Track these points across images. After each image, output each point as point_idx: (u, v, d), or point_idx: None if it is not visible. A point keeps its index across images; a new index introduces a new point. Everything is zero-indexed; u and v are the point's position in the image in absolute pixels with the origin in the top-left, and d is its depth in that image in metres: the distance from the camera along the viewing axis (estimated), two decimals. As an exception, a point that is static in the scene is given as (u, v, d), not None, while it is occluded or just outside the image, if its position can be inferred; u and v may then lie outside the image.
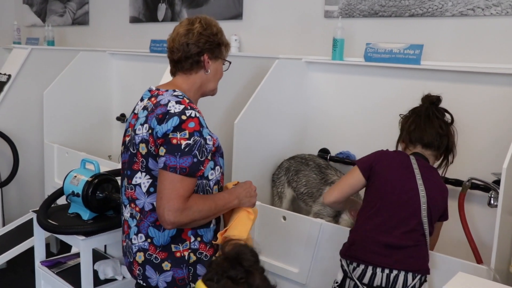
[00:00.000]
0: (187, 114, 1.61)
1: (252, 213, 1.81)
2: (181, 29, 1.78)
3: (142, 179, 1.69)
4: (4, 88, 3.98)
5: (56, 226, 2.28)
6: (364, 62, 2.79)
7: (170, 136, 1.59)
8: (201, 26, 1.77)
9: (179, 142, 1.58)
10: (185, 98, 1.69)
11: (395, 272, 1.86)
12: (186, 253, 1.70)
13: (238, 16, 3.58)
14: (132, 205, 1.73)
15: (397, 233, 1.88)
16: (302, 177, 2.71)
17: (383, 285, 1.87)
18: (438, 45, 2.63)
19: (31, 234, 3.27)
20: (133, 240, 1.73)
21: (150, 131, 1.64)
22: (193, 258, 1.72)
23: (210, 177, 1.72)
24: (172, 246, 1.69)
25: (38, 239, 2.63)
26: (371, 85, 2.79)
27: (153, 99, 1.72)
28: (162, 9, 4.12)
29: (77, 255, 2.61)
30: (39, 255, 2.60)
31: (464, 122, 2.47)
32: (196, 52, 1.76)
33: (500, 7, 2.42)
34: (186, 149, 1.58)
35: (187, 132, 1.59)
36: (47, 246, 2.75)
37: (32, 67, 4.10)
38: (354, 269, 1.93)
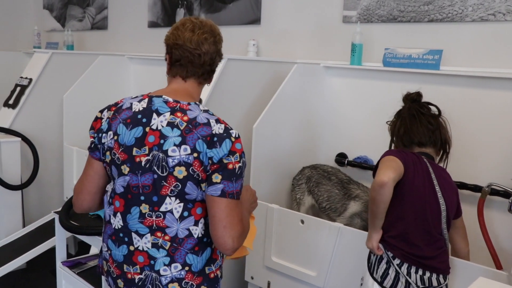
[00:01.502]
0: (233, 135, 1.54)
1: (254, 217, 1.82)
2: (207, 35, 1.64)
3: (173, 205, 1.54)
4: (25, 91, 4.05)
5: (78, 227, 2.32)
6: (382, 67, 2.80)
7: (225, 161, 1.51)
8: (221, 39, 1.71)
9: (234, 167, 1.52)
10: (216, 115, 1.60)
11: (428, 274, 1.89)
12: (218, 272, 1.67)
13: (256, 21, 3.61)
14: (159, 234, 1.56)
15: (424, 246, 1.89)
16: (324, 192, 2.70)
17: (419, 285, 1.89)
18: (457, 51, 2.63)
19: (50, 235, 3.32)
20: (162, 271, 1.58)
21: (195, 154, 1.51)
22: (220, 274, 1.69)
23: None
24: (206, 268, 1.63)
25: (60, 240, 2.67)
26: (389, 90, 2.80)
27: (179, 114, 1.55)
28: (180, 14, 4.16)
29: (97, 256, 2.64)
30: (60, 255, 2.64)
31: (484, 127, 2.47)
32: (217, 64, 1.72)
33: (521, 13, 2.41)
34: (239, 172, 1.53)
35: (238, 155, 1.53)
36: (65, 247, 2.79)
37: (52, 71, 4.16)
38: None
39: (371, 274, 1.96)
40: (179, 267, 1.58)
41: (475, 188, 2.41)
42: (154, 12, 4.39)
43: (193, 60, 1.63)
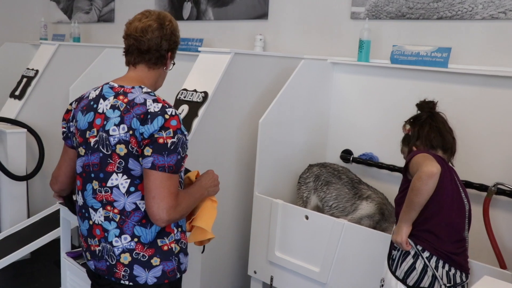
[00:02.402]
0: (169, 113, 1.63)
1: (216, 201, 1.89)
2: (152, 22, 1.76)
3: (119, 180, 1.67)
4: (32, 83, 4.06)
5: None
6: (390, 64, 2.78)
7: (156, 136, 1.60)
8: (172, 26, 1.80)
9: (165, 141, 1.60)
10: (157, 96, 1.71)
11: (453, 270, 1.91)
12: (173, 245, 1.73)
13: (263, 16, 3.60)
14: (108, 207, 1.69)
15: (451, 243, 1.93)
16: (333, 191, 2.67)
17: (445, 282, 1.91)
18: (466, 49, 2.62)
19: (55, 226, 3.33)
20: (114, 242, 1.70)
21: (131, 132, 1.63)
22: (177, 248, 1.76)
23: (181, 169, 1.76)
24: (158, 241, 1.71)
25: (64, 231, 2.68)
26: (396, 87, 2.79)
27: (121, 97, 1.69)
28: (187, 7, 4.15)
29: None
30: (65, 246, 2.65)
31: (491, 126, 2.45)
32: (165, 48, 1.79)
33: (531, 11, 2.39)
34: (172, 147, 1.61)
35: (171, 130, 1.61)
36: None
37: (58, 62, 4.17)
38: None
39: (393, 272, 1.96)
40: (129, 238, 1.69)
41: (481, 187, 2.40)
42: (161, 6, 4.38)
43: (138, 47, 1.76)
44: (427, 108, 2.13)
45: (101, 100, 1.72)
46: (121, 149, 1.65)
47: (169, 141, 1.60)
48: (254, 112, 2.89)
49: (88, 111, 1.73)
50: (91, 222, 1.75)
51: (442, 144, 2.07)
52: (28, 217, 3.86)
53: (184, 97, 2.75)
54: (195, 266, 2.65)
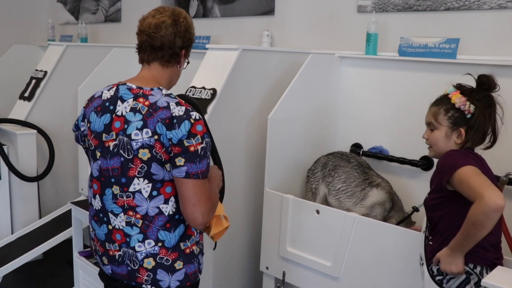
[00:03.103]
0: (193, 117, 1.62)
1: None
2: (166, 18, 1.73)
3: (141, 185, 1.65)
4: (40, 84, 4.09)
5: None
6: (398, 56, 2.77)
7: (186, 144, 1.59)
8: (187, 23, 1.77)
9: (196, 149, 1.59)
10: (178, 98, 1.69)
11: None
12: (194, 248, 1.76)
13: (270, 11, 3.59)
14: (130, 213, 1.68)
15: (495, 249, 1.82)
16: (342, 173, 2.61)
17: None
18: (475, 39, 2.60)
19: (67, 226, 3.36)
20: (137, 248, 1.69)
21: (156, 137, 1.60)
22: (198, 250, 1.78)
23: None
24: (181, 244, 1.72)
25: (76, 230, 2.71)
26: (405, 80, 2.77)
27: (141, 99, 1.66)
28: (194, 5, 4.16)
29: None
30: (77, 245, 2.67)
31: (504, 117, 2.43)
32: (179, 46, 1.76)
33: (540, 0, 2.37)
34: (202, 153, 1.61)
35: (199, 136, 1.60)
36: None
37: (67, 63, 4.20)
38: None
39: (439, 284, 1.79)
40: (152, 243, 1.68)
41: (493, 178, 2.38)
42: (167, 4, 4.38)
43: (151, 43, 1.73)
44: (492, 88, 1.83)
45: (119, 102, 1.68)
46: (144, 154, 1.62)
47: (199, 147, 1.60)
48: (263, 108, 2.89)
49: (104, 112, 1.70)
50: (110, 227, 1.72)
51: (491, 145, 1.85)
52: (40, 217, 3.89)
53: (193, 95, 2.75)
54: (208, 263, 2.66)
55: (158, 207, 1.67)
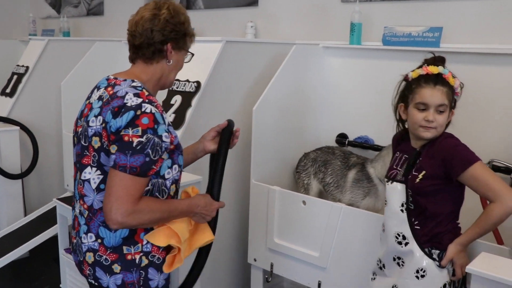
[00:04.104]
0: (143, 109, 1.50)
1: (191, 225, 1.74)
2: (146, 13, 1.66)
3: (92, 175, 1.59)
4: (22, 80, 4.03)
5: None
6: (382, 46, 2.77)
7: (122, 133, 1.49)
8: (169, 13, 1.66)
9: (130, 140, 1.48)
10: (144, 90, 1.58)
11: None
12: (137, 256, 1.62)
13: (254, 2, 3.57)
14: (81, 201, 1.63)
15: None
16: (329, 167, 2.68)
17: None
18: (458, 27, 2.61)
19: (52, 223, 3.33)
20: (83, 239, 1.64)
21: (104, 125, 1.54)
22: (145, 261, 1.63)
23: (166, 176, 1.63)
24: (124, 248, 1.61)
25: (62, 227, 2.68)
26: (389, 69, 2.76)
27: (109, 89, 1.61)
28: (176, -3, 4.12)
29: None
30: (63, 242, 2.65)
31: (485, 104, 2.45)
32: (159, 40, 1.65)
33: (522, -13, 2.38)
34: (138, 147, 1.48)
35: (140, 129, 1.49)
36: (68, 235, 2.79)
37: (49, 58, 4.13)
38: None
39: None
40: (93, 237, 1.62)
41: (477, 165, 2.40)
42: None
43: (133, 42, 1.68)
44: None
45: (95, 91, 1.67)
46: (96, 142, 1.57)
47: (135, 140, 1.48)
48: (248, 99, 2.87)
49: (84, 100, 1.71)
50: (74, 213, 1.72)
51: None
52: (25, 215, 3.85)
53: (177, 88, 2.73)
54: (195, 255, 2.65)
55: (102, 201, 1.56)
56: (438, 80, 1.80)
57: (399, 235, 1.85)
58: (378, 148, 2.80)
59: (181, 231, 1.67)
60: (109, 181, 1.51)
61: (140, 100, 1.53)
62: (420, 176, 1.80)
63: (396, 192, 1.85)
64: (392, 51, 2.73)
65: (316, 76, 2.99)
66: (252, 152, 2.68)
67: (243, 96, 2.90)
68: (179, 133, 2.56)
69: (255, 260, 2.73)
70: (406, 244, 1.83)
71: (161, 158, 1.56)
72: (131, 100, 1.53)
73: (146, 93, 1.57)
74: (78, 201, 1.67)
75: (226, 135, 1.88)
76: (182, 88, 2.70)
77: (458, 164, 1.73)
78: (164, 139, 1.53)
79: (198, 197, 1.74)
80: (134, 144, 1.48)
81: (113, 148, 1.50)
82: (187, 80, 2.71)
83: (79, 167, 1.63)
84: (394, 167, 1.92)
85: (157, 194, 1.62)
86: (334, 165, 2.67)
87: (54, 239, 3.05)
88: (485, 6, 2.52)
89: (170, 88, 2.74)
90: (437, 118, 1.78)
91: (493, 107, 2.44)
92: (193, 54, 1.81)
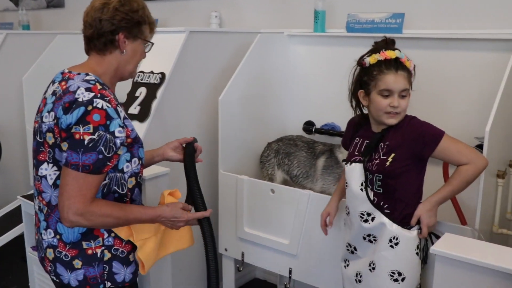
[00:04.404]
0: (94, 104, 1.46)
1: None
2: (97, 2, 1.60)
3: (48, 171, 1.57)
4: (-19, 75, 3.91)
5: None
6: (346, 33, 2.79)
7: (72, 130, 1.45)
8: (119, 1, 1.60)
9: (82, 137, 1.44)
10: (97, 84, 1.53)
11: None
12: (98, 250, 1.60)
13: (217, -8, 3.54)
14: (40, 197, 1.62)
15: None
16: (294, 159, 2.69)
17: None
18: (419, 13, 2.65)
19: (18, 222, 3.25)
20: (43, 235, 1.62)
21: (55, 121, 1.50)
22: (108, 255, 1.62)
23: (125, 170, 1.61)
24: (84, 243, 1.59)
25: (28, 225, 2.63)
26: (354, 55, 2.75)
27: (63, 83, 1.56)
28: (139, -12, 4.04)
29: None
30: (29, 240, 2.60)
31: (448, 88, 2.50)
32: (109, 30, 1.59)
33: (479, -28, 2.43)
34: (90, 145, 1.45)
35: (91, 126, 1.45)
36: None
37: (8, 52, 4.02)
38: None
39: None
40: (52, 233, 1.60)
41: (440, 148, 2.45)
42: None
43: (85, 33, 1.64)
44: None
45: (51, 85, 1.63)
46: (50, 138, 1.53)
47: (87, 137, 1.45)
48: (214, 90, 2.86)
49: (42, 96, 1.67)
50: (35, 210, 1.70)
51: None
52: (-10, 214, 3.75)
53: (142, 80, 2.69)
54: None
55: (58, 196, 1.54)
56: (398, 65, 1.82)
57: (363, 214, 1.88)
58: (344, 135, 2.83)
59: (142, 229, 1.66)
60: (62, 180, 1.50)
61: (91, 94, 1.49)
62: (390, 159, 1.82)
63: (355, 172, 1.89)
64: (356, 38, 2.75)
65: (282, 65, 2.99)
66: (219, 142, 2.67)
67: (208, 87, 2.88)
68: (144, 125, 2.53)
69: (226, 250, 2.73)
70: (373, 219, 1.86)
71: (116, 154, 1.52)
72: (83, 95, 1.48)
73: (99, 87, 1.53)
74: (36, 197, 1.65)
75: (190, 149, 1.88)
76: (147, 80, 2.67)
77: (430, 140, 1.79)
78: (117, 134, 1.50)
79: (164, 209, 1.67)
80: (86, 142, 1.45)
81: (64, 146, 1.48)
82: (152, 72, 2.67)
83: (36, 163, 1.61)
84: (356, 153, 1.93)
85: (115, 187, 1.60)
86: (299, 157, 2.68)
87: (20, 238, 3.00)
88: (444, -8, 2.56)
89: (134, 80, 2.71)
90: (400, 103, 1.80)
91: (454, 91, 2.49)
92: (152, 44, 1.74)
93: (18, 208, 3.36)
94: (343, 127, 2.88)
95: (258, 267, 3.13)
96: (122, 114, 1.55)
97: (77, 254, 1.59)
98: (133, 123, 2.48)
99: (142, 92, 2.65)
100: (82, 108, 1.46)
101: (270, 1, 3.27)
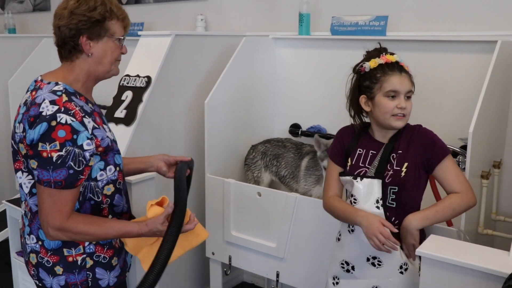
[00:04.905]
0: (58, 120, 1.43)
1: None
2: (57, 9, 1.56)
3: (23, 179, 1.57)
4: (-34, 79, 3.88)
5: None
6: (330, 35, 2.80)
7: (39, 149, 1.43)
8: (75, 3, 1.53)
9: (49, 155, 1.42)
10: (63, 96, 1.49)
11: None
12: (79, 258, 1.59)
13: (203, -5, 3.54)
14: (25, 202, 1.63)
15: None
16: (282, 160, 2.68)
17: None
18: (403, 16, 2.67)
19: (3, 227, 3.23)
20: (27, 239, 1.63)
21: (24, 133, 1.48)
22: (90, 262, 1.61)
23: (99, 178, 1.59)
24: (65, 250, 1.59)
25: (12, 230, 2.61)
26: (338, 58, 2.81)
27: (34, 93, 1.53)
28: (125, -9, 4.04)
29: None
30: (14, 245, 2.58)
31: (431, 90, 2.52)
32: (70, 36, 1.53)
33: (462, -25, 2.45)
34: (59, 162, 1.43)
35: (57, 143, 1.42)
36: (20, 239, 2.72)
37: (-6, 56, 3.99)
38: None
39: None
40: (35, 239, 1.61)
41: (425, 150, 2.46)
42: (97, -9, 4.24)
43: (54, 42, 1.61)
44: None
45: (25, 93, 1.61)
46: (22, 149, 1.52)
47: (55, 155, 1.42)
48: (200, 93, 2.86)
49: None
50: (22, 214, 1.71)
51: None
52: (-25, 220, 3.72)
53: (127, 83, 2.68)
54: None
55: (37, 206, 1.55)
56: (401, 68, 1.80)
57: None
58: (330, 137, 2.84)
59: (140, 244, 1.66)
60: (38, 196, 1.51)
61: (55, 108, 1.45)
62: (404, 169, 1.76)
63: (370, 189, 1.77)
64: (341, 41, 2.77)
65: (267, 68, 3.00)
66: (205, 145, 2.67)
67: (194, 90, 2.88)
68: (130, 129, 2.52)
69: (213, 253, 2.73)
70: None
71: (87, 166, 1.50)
72: (47, 109, 1.45)
73: (65, 99, 1.49)
74: (23, 202, 1.66)
75: (183, 168, 1.79)
76: (133, 84, 2.66)
77: (439, 151, 1.76)
78: (85, 147, 1.47)
79: (142, 228, 1.60)
80: (54, 159, 1.43)
81: (34, 164, 1.46)
82: (137, 75, 2.67)
83: (14, 170, 1.60)
84: (361, 164, 1.83)
85: (90, 195, 1.60)
86: (287, 158, 2.68)
87: (5, 242, 2.97)
88: (427, -5, 2.59)
89: (120, 84, 2.70)
90: (407, 105, 1.77)
91: (438, 92, 2.50)
92: (121, 39, 1.63)
93: (3, 212, 3.33)
94: (329, 130, 2.90)
95: (245, 271, 3.13)
96: (91, 124, 1.51)
97: (58, 261, 1.59)
98: (119, 127, 2.53)
99: (128, 95, 2.64)
100: (45, 124, 1.43)
101: (255, 5, 3.28)
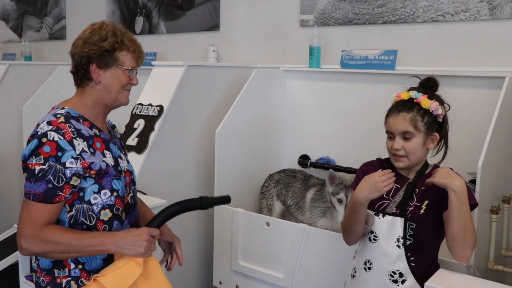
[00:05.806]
0: (48, 137, 1.50)
1: (140, 267, 1.54)
2: (75, 39, 1.67)
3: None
4: (-18, 104, 3.95)
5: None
6: (340, 69, 2.85)
7: (27, 162, 1.50)
8: (89, 33, 1.62)
9: (33, 168, 1.48)
10: (61, 118, 1.55)
11: None
12: (64, 281, 1.59)
13: (215, 27, 3.62)
14: None
15: None
16: (290, 190, 2.73)
17: None
18: (411, 50, 2.71)
19: (12, 251, 3.24)
20: (32, 259, 1.68)
21: None
22: (74, 286, 1.60)
23: (93, 202, 1.58)
24: (55, 271, 1.61)
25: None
26: (348, 91, 2.85)
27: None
28: (139, 22, 4.14)
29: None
30: (24, 269, 2.58)
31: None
32: (81, 63, 1.61)
33: (468, 13, 2.51)
34: (40, 174, 1.48)
35: (42, 157, 1.48)
36: (30, 261, 2.73)
37: (10, 82, 4.07)
38: None
39: None
40: (34, 258, 1.65)
41: (433, 184, 2.47)
42: (113, 21, 4.34)
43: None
44: (436, 89, 1.84)
45: None
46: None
47: (37, 167, 1.48)
48: (211, 123, 2.90)
49: None
50: None
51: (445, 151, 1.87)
52: (-15, 243, 3.74)
53: (140, 112, 2.73)
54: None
55: None
56: (406, 106, 1.75)
57: (394, 273, 1.72)
58: (339, 169, 2.86)
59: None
60: (21, 209, 1.55)
61: (49, 127, 1.52)
62: (424, 206, 1.73)
63: (393, 226, 1.74)
64: (350, 74, 2.82)
65: (277, 99, 3.05)
66: (215, 174, 2.69)
67: (206, 120, 2.92)
68: (142, 156, 2.56)
69: (220, 283, 2.72)
70: (403, 281, 1.72)
71: (67, 184, 1.51)
72: (41, 129, 1.53)
73: (61, 120, 1.55)
74: None
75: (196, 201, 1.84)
76: (145, 112, 2.71)
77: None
78: (68, 165, 1.50)
79: (126, 229, 1.61)
80: (36, 171, 1.48)
81: (24, 177, 1.53)
82: (150, 104, 2.72)
83: None
84: (385, 196, 1.79)
85: (82, 219, 1.58)
86: (294, 187, 2.72)
87: (15, 266, 2.98)
88: (434, 30, 2.64)
89: (133, 112, 2.75)
90: (404, 146, 1.73)
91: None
92: (130, 69, 1.66)
93: (12, 237, 3.35)
94: (338, 161, 2.92)
95: (252, 301, 3.12)
96: (80, 146, 1.54)
97: (50, 281, 1.62)
98: (130, 154, 2.56)
99: (140, 124, 2.69)
100: (35, 141, 1.50)
101: (266, 37, 3.35)
